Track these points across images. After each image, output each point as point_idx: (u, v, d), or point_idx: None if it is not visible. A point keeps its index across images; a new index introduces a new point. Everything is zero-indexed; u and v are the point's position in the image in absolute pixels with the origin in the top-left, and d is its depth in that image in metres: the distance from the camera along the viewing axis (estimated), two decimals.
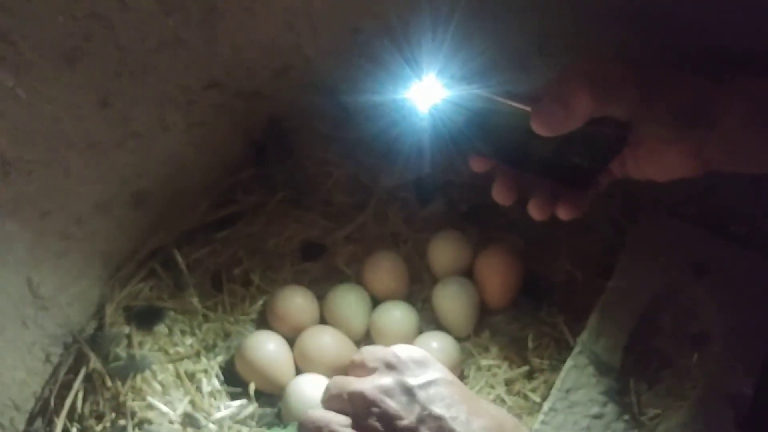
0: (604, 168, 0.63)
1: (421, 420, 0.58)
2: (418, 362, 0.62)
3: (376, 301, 0.84)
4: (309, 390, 0.73)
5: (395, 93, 0.68)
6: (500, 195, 0.65)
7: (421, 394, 0.59)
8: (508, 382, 0.77)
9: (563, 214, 0.64)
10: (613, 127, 0.59)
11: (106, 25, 0.71)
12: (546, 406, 0.70)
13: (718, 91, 0.59)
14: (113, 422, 0.72)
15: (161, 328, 0.80)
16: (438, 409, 0.58)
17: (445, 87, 0.61)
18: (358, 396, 0.61)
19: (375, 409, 0.59)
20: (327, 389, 0.64)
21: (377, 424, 0.59)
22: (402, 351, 0.63)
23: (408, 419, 0.58)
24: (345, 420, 0.61)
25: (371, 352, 0.65)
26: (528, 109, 0.58)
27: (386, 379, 0.61)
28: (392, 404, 0.59)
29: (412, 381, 0.60)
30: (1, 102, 0.64)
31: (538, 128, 0.58)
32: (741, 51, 0.74)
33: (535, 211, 0.64)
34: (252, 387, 0.76)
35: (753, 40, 0.73)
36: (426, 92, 0.62)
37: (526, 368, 0.77)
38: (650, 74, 0.60)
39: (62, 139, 0.71)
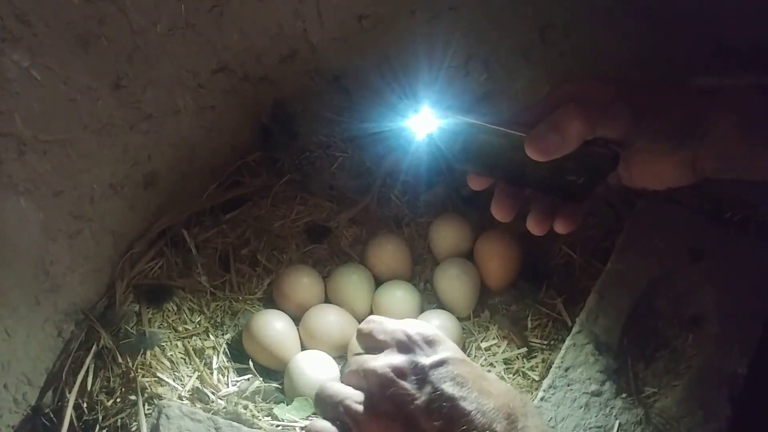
0: (598, 184, 0.65)
1: (432, 400, 0.59)
2: (429, 340, 0.63)
3: (379, 282, 0.86)
4: (309, 366, 0.75)
5: (394, 123, 0.71)
6: (499, 212, 0.67)
7: (433, 374, 0.60)
8: (507, 361, 0.78)
9: (560, 228, 0.65)
10: (606, 146, 0.61)
11: (120, 8, 0.72)
12: (545, 384, 0.71)
13: (707, 105, 0.60)
14: (123, 397, 0.73)
15: (170, 306, 0.82)
16: (449, 389, 0.59)
17: (440, 117, 0.63)
18: (371, 373, 0.62)
19: (388, 390, 0.60)
20: (348, 364, 0.65)
21: (389, 405, 0.60)
22: (412, 329, 0.64)
23: (420, 399, 0.59)
24: (359, 396, 0.63)
25: (380, 325, 0.66)
26: (522, 134, 0.60)
27: (398, 358, 0.62)
28: (404, 384, 0.60)
29: (424, 360, 0.61)
30: (17, 82, 0.65)
31: (533, 154, 0.59)
32: (747, 44, 0.75)
33: (533, 226, 0.66)
34: (251, 363, 0.78)
35: (759, 31, 0.74)
36: (422, 122, 0.65)
37: (524, 349, 0.79)
38: (640, 91, 0.62)
39: (76, 119, 0.72)
